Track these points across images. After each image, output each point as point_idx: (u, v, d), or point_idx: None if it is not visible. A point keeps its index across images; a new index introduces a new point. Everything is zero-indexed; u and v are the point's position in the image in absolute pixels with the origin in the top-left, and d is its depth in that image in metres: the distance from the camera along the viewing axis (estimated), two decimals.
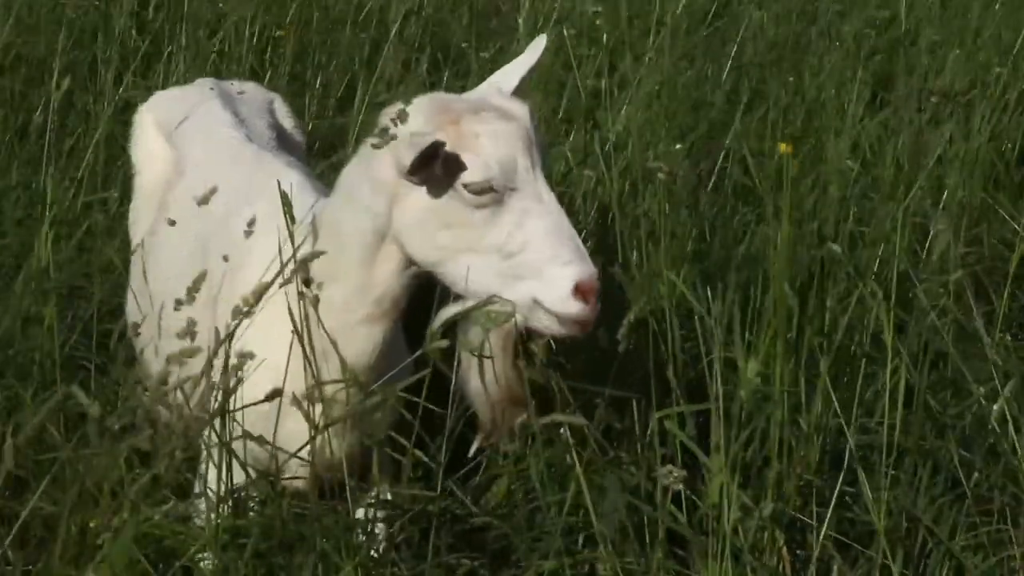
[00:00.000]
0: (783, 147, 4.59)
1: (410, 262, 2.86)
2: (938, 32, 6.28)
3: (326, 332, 2.88)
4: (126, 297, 3.61)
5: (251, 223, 2.99)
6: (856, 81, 5.51)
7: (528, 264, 2.75)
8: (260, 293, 2.76)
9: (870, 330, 3.46)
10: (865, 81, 5.69)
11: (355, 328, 2.91)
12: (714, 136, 5.27)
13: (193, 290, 2.80)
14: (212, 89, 3.85)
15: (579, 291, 2.72)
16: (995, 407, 3.15)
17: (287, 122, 3.99)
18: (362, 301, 2.90)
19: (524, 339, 2.84)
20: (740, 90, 5.77)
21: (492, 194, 2.75)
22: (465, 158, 2.75)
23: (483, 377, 2.84)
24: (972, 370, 3.40)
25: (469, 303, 2.82)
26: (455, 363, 2.89)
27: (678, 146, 4.77)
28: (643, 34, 5.97)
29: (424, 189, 2.79)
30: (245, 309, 2.75)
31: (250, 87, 4.08)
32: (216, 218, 3.21)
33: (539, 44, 3.07)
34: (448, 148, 2.75)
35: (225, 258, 3.07)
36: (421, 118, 2.81)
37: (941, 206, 4.27)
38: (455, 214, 2.78)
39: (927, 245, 4.11)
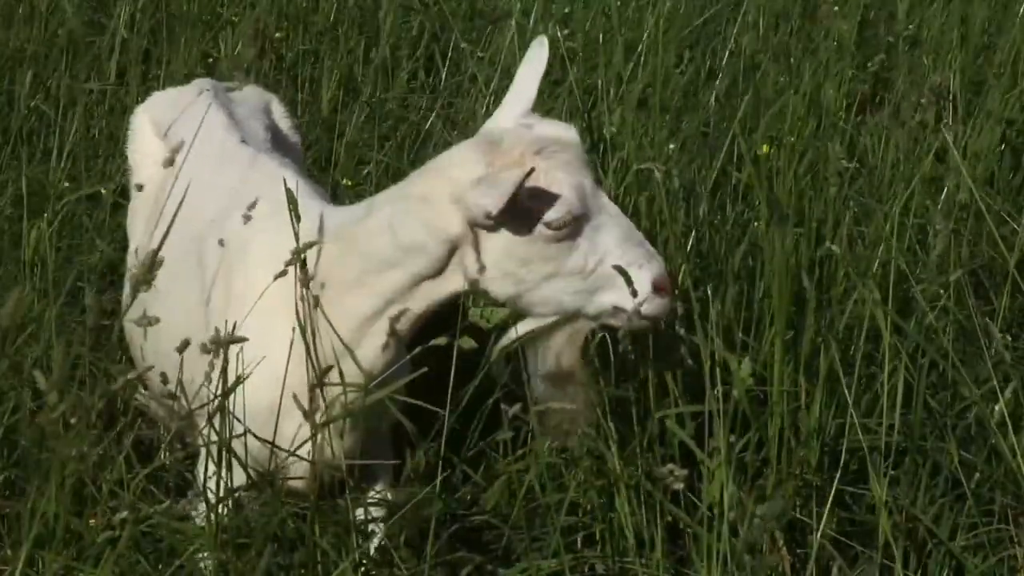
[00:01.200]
0: (764, 148, 4.60)
1: (464, 292, 2.88)
2: (938, 32, 6.28)
3: (339, 337, 2.87)
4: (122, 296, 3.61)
5: (251, 207, 2.99)
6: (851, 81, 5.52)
7: (607, 275, 2.80)
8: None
9: (865, 328, 3.45)
10: (864, 80, 5.70)
11: (378, 335, 2.92)
12: (709, 135, 5.27)
13: (147, 273, 2.75)
14: (208, 90, 3.84)
15: (656, 288, 2.80)
16: (996, 407, 3.14)
17: (284, 123, 3.98)
18: (395, 314, 2.90)
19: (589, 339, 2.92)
20: (735, 89, 5.77)
21: (572, 225, 2.78)
22: (542, 198, 2.76)
23: (561, 376, 2.91)
24: (972, 371, 3.39)
25: (539, 323, 2.87)
26: (452, 363, 2.90)
27: (671, 146, 4.76)
28: (635, 27, 5.98)
29: (503, 233, 2.79)
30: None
31: (247, 88, 4.07)
32: (211, 219, 3.20)
33: (542, 47, 3.05)
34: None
35: (221, 242, 3.07)
36: (481, 164, 2.81)
37: (940, 206, 4.27)
38: (536, 251, 2.79)
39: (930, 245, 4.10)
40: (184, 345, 2.74)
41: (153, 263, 2.67)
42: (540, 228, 2.78)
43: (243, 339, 2.71)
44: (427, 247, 2.85)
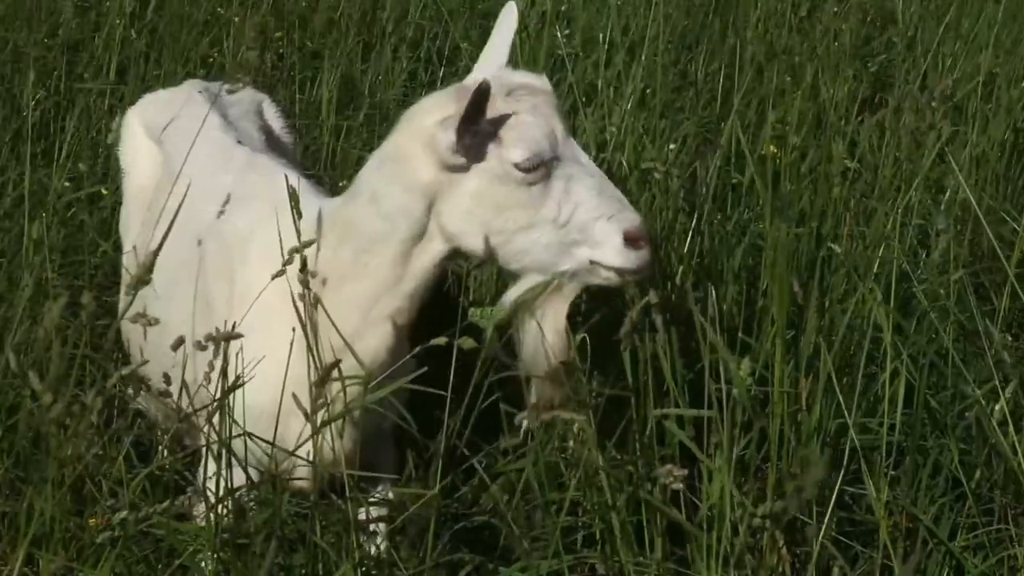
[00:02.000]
0: (770, 147, 4.60)
1: (450, 255, 2.88)
2: (937, 31, 6.28)
3: (338, 332, 2.87)
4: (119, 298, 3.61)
5: (226, 202, 3.04)
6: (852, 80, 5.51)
7: (580, 227, 2.79)
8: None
9: (869, 327, 3.45)
10: (865, 80, 5.70)
11: (377, 324, 2.92)
12: (710, 135, 5.27)
13: (145, 274, 2.75)
14: (201, 91, 3.83)
15: (628, 239, 2.78)
16: (996, 407, 3.14)
17: (276, 123, 3.98)
18: (391, 297, 2.91)
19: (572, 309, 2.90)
20: (734, 88, 5.77)
21: (542, 169, 2.78)
22: (511, 138, 2.77)
23: (544, 344, 2.88)
24: (972, 370, 3.39)
25: (527, 282, 2.85)
26: (452, 363, 2.90)
27: (672, 146, 4.76)
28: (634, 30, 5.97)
29: (475, 178, 2.79)
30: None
31: (239, 89, 4.05)
32: (208, 221, 3.20)
33: (511, 11, 3.05)
34: (487, 133, 2.76)
35: (206, 240, 3.08)
36: (451, 107, 2.81)
37: (942, 206, 4.27)
38: (507, 196, 2.79)
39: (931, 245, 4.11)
40: (179, 342, 2.75)
41: (152, 264, 2.66)
42: (510, 169, 2.78)
43: (239, 335, 2.70)
44: (407, 207, 2.84)
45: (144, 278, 2.62)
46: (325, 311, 2.87)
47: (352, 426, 2.96)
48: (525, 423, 2.92)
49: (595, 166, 2.87)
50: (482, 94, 2.73)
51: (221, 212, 3.07)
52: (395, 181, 2.87)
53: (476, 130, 2.78)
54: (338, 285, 2.90)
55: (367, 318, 2.92)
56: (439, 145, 2.78)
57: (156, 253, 2.68)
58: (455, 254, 2.90)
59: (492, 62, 3.00)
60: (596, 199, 2.80)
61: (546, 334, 2.89)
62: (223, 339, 2.67)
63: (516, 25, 3.03)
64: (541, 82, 2.91)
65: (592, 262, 2.81)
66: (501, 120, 2.79)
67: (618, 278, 2.83)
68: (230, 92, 3.85)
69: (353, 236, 2.91)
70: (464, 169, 2.81)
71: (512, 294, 2.93)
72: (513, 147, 2.78)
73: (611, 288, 2.91)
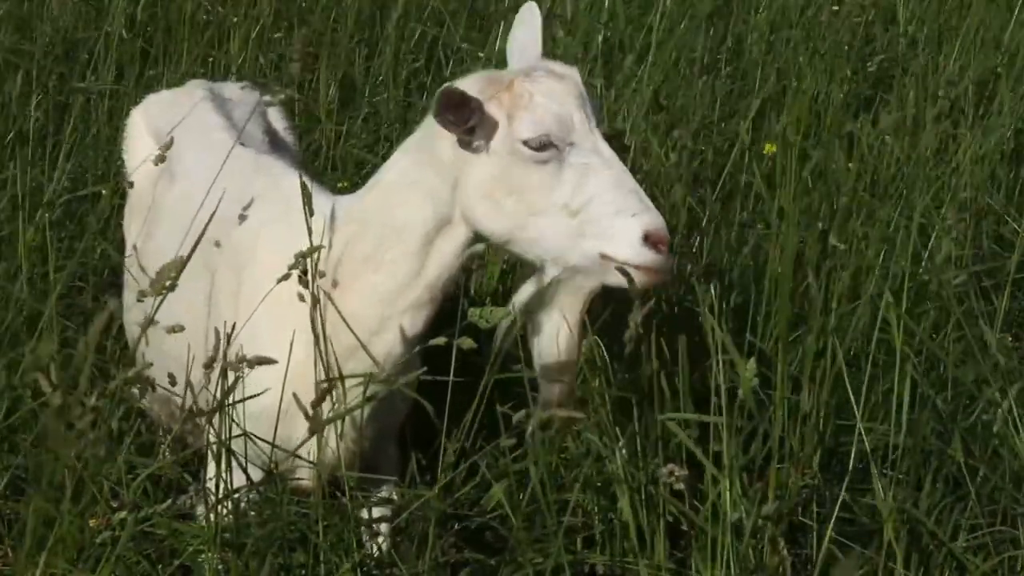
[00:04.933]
0: (769, 147, 4.60)
1: (470, 242, 2.89)
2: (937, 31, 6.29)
3: (351, 330, 2.88)
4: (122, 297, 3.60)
5: (246, 208, 3.04)
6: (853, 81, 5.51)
7: (594, 219, 2.78)
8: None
9: (877, 328, 3.44)
10: (865, 79, 5.70)
11: (399, 316, 2.92)
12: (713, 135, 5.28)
13: (158, 281, 2.76)
14: (204, 92, 3.83)
15: (649, 240, 2.76)
16: (999, 410, 3.14)
17: (279, 124, 3.97)
18: (413, 287, 2.91)
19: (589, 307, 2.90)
20: (738, 89, 5.77)
21: (552, 150, 2.80)
22: (521, 116, 2.80)
23: (555, 342, 2.88)
24: (974, 372, 3.39)
25: (540, 279, 2.86)
26: (452, 363, 2.90)
27: (675, 136, 4.76)
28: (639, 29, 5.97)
29: (489, 156, 2.82)
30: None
31: (241, 90, 4.06)
32: (214, 221, 3.19)
33: (532, 10, 3.08)
34: (504, 111, 2.80)
35: (217, 244, 3.08)
36: (474, 90, 2.84)
37: (944, 207, 4.26)
38: (520, 178, 2.81)
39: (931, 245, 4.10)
40: (176, 329, 2.76)
41: (166, 274, 2.68)
42: (519, 147, 2.80)
43: (273, 361, 2.73)
44: (435, 189, 2.87)
45: (159, 290, 2.64)
46: (337, 310, 2.87)
47: (365, 422, 2.95)
48: (532, 422, 2.90)
49: (618, 160, 2.85)
50: (448, 97, 2.76)
51: (242, 217, 3.07)
52: (426, 164, 2.90)
53: (481, 114, 2.81)
54: (352, 281, 2.90)
55: (387, 311, 2.91)
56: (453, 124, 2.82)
57: (185, 262, 2.70)
58: (477, 240, 2.90)
59: (528, 54, 3.02)
60: (613, 193, 2.79)
61: (557, 332, 2.89)
62: (256, 363, 2.69)
63: (540, 22, 3.05)
64: (569, 70, 2.92)
65: (603, 256, 2.79)
66: (516, 100, 2.83)
67: (629, 276, 2.76)
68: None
69: (374, 227, 2.91)
70: (479, 150, 2.84)
71: (524, 292, 2.94)
72: (521, 125, 2.81)
73: (628, 291, 2.85)
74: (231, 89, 4.00)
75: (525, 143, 2.79)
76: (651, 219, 2.77)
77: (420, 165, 2.91)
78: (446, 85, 2.78)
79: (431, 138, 2.89)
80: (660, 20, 5.86)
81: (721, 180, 4.76)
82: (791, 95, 5.34)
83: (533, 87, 2.83)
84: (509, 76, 2.89)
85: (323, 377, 2.86)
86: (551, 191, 2.80)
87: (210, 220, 2.98)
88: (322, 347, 2.86)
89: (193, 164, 3.49)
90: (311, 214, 2.87)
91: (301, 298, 2.84)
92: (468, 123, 2.79)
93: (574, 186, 2.79)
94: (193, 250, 2.79)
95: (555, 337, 2.91)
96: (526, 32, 3.05)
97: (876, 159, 4.80)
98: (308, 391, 2.85)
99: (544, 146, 2.79)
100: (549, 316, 2.91)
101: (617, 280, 2.78)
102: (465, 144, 2.84)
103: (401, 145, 3.03)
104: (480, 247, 2.91)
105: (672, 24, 5.94)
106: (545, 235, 2.81)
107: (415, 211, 2.89)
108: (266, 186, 3.20)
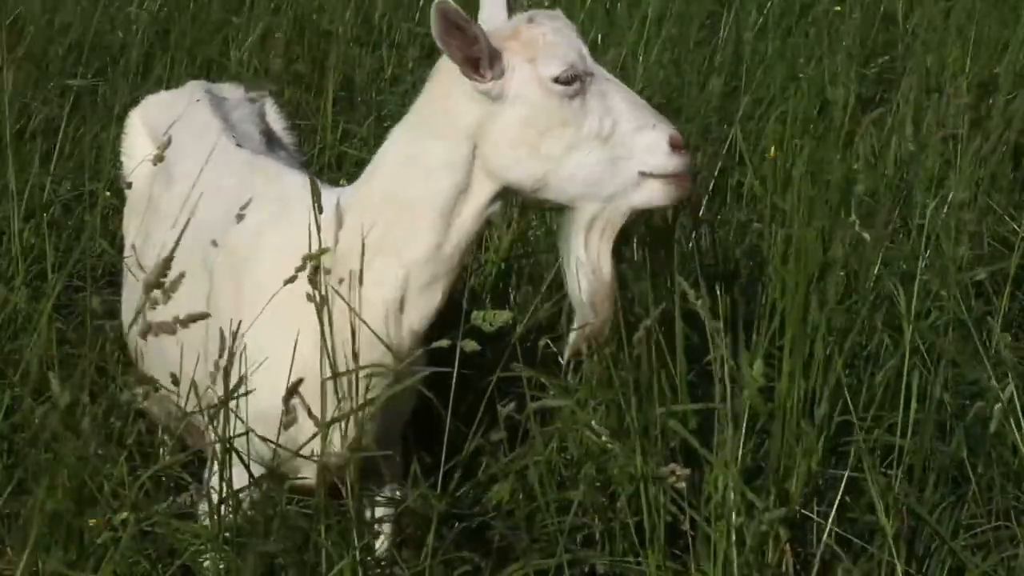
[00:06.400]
0: (772, 151, 4.60)
1: (490, 202, 2.91)
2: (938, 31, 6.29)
3: (363, 321, 2.88)
4: (120, 298, 3.61)
5: (246, 205, 3.06)
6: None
7: (623, 140, 2.87)
8: None
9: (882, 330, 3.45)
10: (867, 79, 5.70)
11: (416, 296, 2.93)
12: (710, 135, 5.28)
13: (170, 289, 2.78)
14: (202, 93, 3.83)
15: (673, 146, 2.88)
16: (996, 407, 3.14)
17: (277, 125, 3.98)
18: (428, 265, 2.92)
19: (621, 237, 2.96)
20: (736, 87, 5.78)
21: (577, 83, 2.88)
22: (542, 56, 2.88)
23: (598, 275, 2.93)
24: (973, 370, 3.39)
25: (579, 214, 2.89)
26: (455, 363, 2.90)
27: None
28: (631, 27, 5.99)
29: (517, 104, 2.87)
30: None
31: (240, 91, 4.06)
32: (211, 222, 3.20)
33: None
34: (521, 56, 2.87)
35: (214, 242, 3.10)
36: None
37: (945, 207, 4.26)
38: (550, 116, 2.87)
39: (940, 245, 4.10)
40: (174, 320, 2.76)
41: (160, 279, 2.70)
42: (549, 86, 2.86)
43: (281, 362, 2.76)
44: (449, 159, 2.89)
45: (157, 288, 2.66)
46: (347, 302, 2.88)
47: (372, 417, 2.95)
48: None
49: (619, 80, 2.97)
50: (444, 15, 2.80)
51: (240, 216, 3.08)
52: (434, 136, 2.91)
53: (494, 52, 2.86)
54: (365, 269, 2.90)
55: (401, 293, 2.92)
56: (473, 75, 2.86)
57: (167, 262, 2.71)
58: (503, 194, 2.92)
59: (495, 13, 3.07)
60: (631, 111, 2.89)
61: (594, 267, 2.93)
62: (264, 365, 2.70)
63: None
64: (556, 12, 3.02)
65: (641, 173, 2.88)
66: (530, 43, 2.90)
67: (664, 195, 2.89)
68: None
69: (385, 211, 2.91)
70: (500, 99, 2.87)
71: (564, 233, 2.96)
72: (547, 63, 2.87)
73: (655, 210, 2.99)
74: (229, 90, 4.00)
75: (555, 79, 2.86)
76: (668, 127, 2.90)
77: (430, 137, 2.92)
78: (437, 2, 2.81)
79: (441, 109, 2.92)
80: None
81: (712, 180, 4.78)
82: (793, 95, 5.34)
83: (541, 30, 2.92)
84: (506, 29, 2.95)
85: (329, 375, 2.86)
86: (581, 123, 2.87)
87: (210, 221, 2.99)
88: (329, 345, 2.86)
89: (191, 165, 3.49)
90: (320, 211, 2.87)
91: (309, 298, 2.84)
92: (472, 54, 2.84)
93: (600, 113, 2.88)
94: (174, 250, 2.83)
95: (592, 271, 2.94)
96: (492, 5, 3.09)
97: (876, 159, 4.82)
98: (315, 390, 2.85)
99: (571, 79, 2.87)
100: (587, 252, 2.93)
101: (650, 199, 2.89)
102: (484, 92, 2.87)
103: (398, 127, 3.03)
104: (499, 209, 2.95)
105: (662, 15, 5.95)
106: (581, 169, 2.87)
107: (432, 184, 2.90)
108: (264, 185, 3.20)
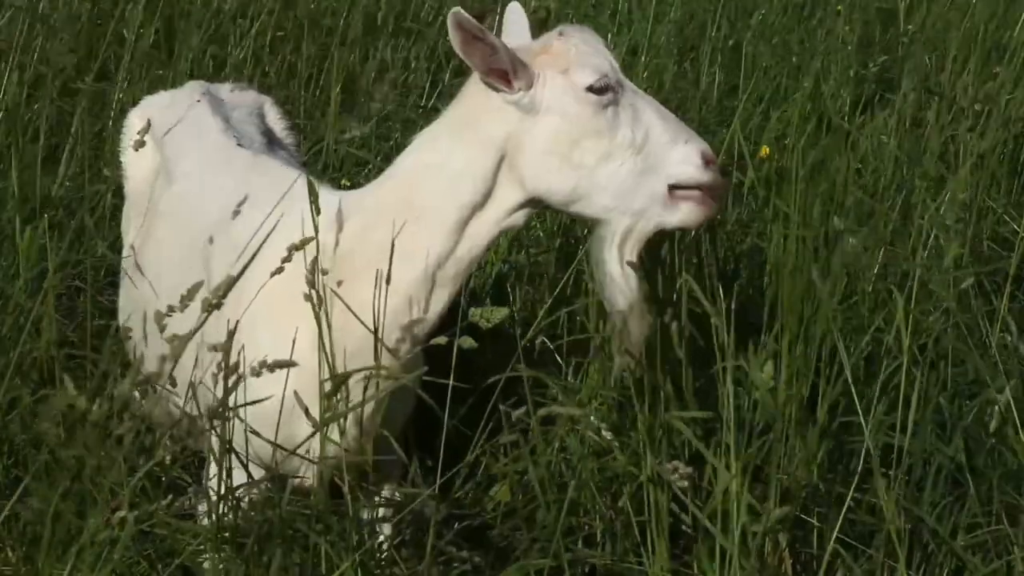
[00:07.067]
0: (764, 150, 4.59)
1: (512, 212, 2.92)
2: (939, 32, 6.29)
3: (362, 323, 2.88)
4: (118, 298, 3.61)
5: (241, 203, 3.08)
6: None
7: (655, 151, 2.89)
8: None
9: (892, 331, 3.44)
10: (868, 79, 5.70)
11: (420, 301, 2.93)
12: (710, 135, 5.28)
13: (187, 298, 2.79)
14: (202, 94, 3.83)
15: (706, 160, 2.91)
16: (996, 408, 3.14)
17: (278, 125, 3.98)
18: (436, 272, 2.92)
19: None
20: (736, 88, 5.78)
21: (610, 93, 2.90)
22: (576, 67, 2.90)
23: (628, 286, 2.93)
24: (972, 371, 3.39)
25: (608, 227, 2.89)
26: (452, 363, 2.89)
27: None
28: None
29: (551, 115, 2.88)
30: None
31: (241, 91, 4.06)
32: (211, 223, 3.19)
33: (516, 11, 3.17)
34: (554, 69, 2.89)
35: (211, 240, 3.11)
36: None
37: (944, 208, 4.26)
38: (583, 126, 2.88)
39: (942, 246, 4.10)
40: (161, 317, 2.77)
41: (227, 291, 2.71)
42: (583, 95, 2.88)
43: (294, 364, 2.76)
44: (472, 169, 2.89)
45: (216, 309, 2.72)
46: (346, 304, 2.87)
47: (373, 416, 2.95)
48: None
49: (651, 96, 3.00)
50: (458, 22, 2.82)
51: (236, 212, 3.08)
52: (461, 145, 2.92)
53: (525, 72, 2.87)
54: (365, 272, 2.89)
55: (409, 297, 2.92)
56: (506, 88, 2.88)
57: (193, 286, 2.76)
58: (528, 205, 2.93)
59: (518, 34, 3.11)
60: (663, 124, 2.92)
61: (626, 278, 2.94)
62: (278, 366, 2.72)
63: (527, 22, 3.14)
64: (583, 27, 3.05)
65: (672, 187, 2.89)
66: (562, 55, 2.92)
67: (694, 214, 2.90)
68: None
69: (393, 216, 2.90)
70: (535, 109, 2.89)
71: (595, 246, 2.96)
72: (581, 72, 2.89)
73: (682, 230, 3.01)
74: (228, 91, 4.00)
75: (590, 89, 2.87)
76: (700, 142, 2.93)
77: (457, 147, 2.92)
78: (454, 10, 2.84)
79: (470, 119, 2.93)
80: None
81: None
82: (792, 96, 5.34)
83: (572, 42, 2.94)
84: (536, 44, 2.98)
85: (328, 375, 2.86)
86: (616, 132, 2.88)
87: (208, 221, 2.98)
88: (327, 344, 2.86)
89: (191, 165, 3.49)
90: (318, 212, 2.87)
91: (306, 297, 2.84)
92: (495, 64, 2.86)
93: (632, 124, 2.89)
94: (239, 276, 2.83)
95: (624, 282, 2.94)
96: (514, 26, 3.13)
97: (876, 159, 4.81)
98: (314, 389, 2.85)
99: (604, 89, 2.88)
100: (617, 264, 2.94)
101: (684, 220, 2.91)
102: (514, 103, 2.88)
103: (421, 135, 3.03)
104: (520, 220, 2.95)
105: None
106: (613, 180, 2.88)
107: (454, 193, 2.90)
108: (263, 185, 3.20)
